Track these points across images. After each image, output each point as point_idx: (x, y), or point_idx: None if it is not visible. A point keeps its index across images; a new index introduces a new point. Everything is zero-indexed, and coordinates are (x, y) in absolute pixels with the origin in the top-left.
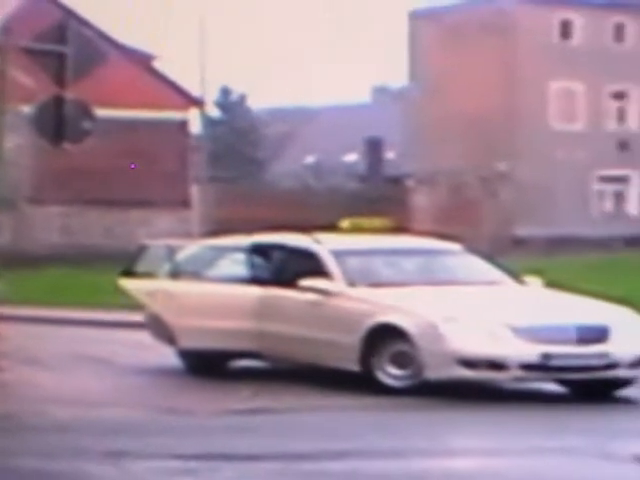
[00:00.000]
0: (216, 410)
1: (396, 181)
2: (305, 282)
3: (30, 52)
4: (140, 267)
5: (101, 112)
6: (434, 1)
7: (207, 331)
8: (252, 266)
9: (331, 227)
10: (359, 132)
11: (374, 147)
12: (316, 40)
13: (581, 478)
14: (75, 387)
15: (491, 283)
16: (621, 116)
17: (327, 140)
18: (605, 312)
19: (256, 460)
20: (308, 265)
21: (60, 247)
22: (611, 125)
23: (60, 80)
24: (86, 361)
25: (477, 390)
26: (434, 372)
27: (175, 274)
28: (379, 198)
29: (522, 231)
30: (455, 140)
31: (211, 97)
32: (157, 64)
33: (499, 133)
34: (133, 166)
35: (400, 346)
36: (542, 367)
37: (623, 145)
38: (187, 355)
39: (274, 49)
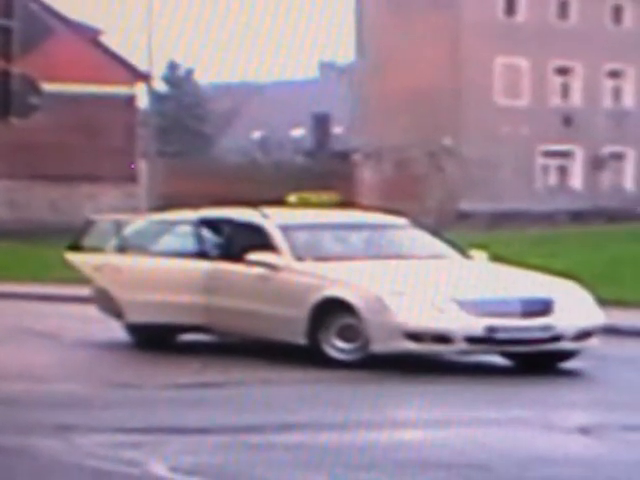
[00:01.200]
0: (164, 384)
1: (343, 156)
2: (253, 256)
3: None
4: (87, 242)
5: (48, 87)
6: None
7: (155, 305)
8: (200, 240)
9: (278, 202)
10: (306, 107)
11: (321, 122)
12: (263, 15)
13: (525, 448)
14: (22, 361)
15: (437, 257)
16: (565, 92)
17: (274, 115)
18: (549, 285)
19: (204, 433)
20: (256, 239)
21: (6, 222)
22: (555, 101)
23: (6, 55)
24: (33, 335)
25: (423, 363)
26: (380, 345)
27: (122, 248)
28: (326, 173)
29: (467, 205)
30: (401, 115)
31: (158, 72)
32: (104, 39)
33: (445, 108)
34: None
35: (347, 319)
36: (487, 340)
37: (567, 120)
38: (135, 329)
39: (221, 24)
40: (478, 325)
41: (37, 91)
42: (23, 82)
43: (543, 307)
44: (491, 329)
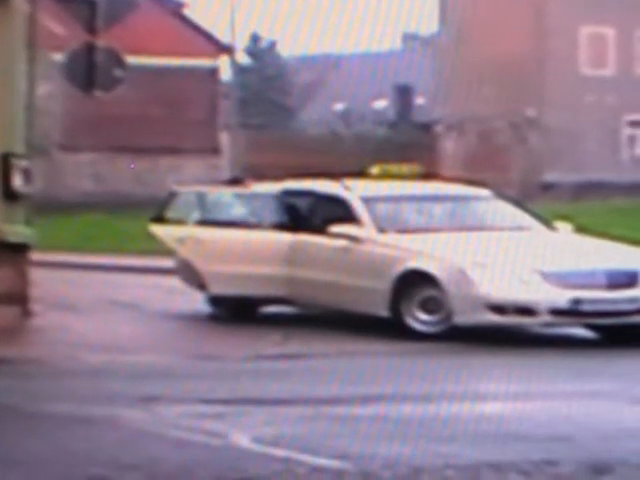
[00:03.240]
0: (246, 355)
1: (425, 127)
2: (335, 228)
3: (61, 1)
4: (170, 213)
5: (132, 60)
6: None
7: (237, 277)
8: (282, 212)
9: (360, 174)
10: (389, 79)
11: (403, 94)
12: None
13: (610, 421)
14: (106, 332)
15: (520, 229)
16: None
17: (356, 87)
18: (635, 257)
19: (286, 404)
20: (338, 212)
21: (91, 194)
22: None
23: (91, 28)
24: (117, 306)
25: (506, 335)
26: (463, 317)
27: (205, 220)
28: (408, 144)
29: (551, 176)
30: (484, 86)
31: (241, 44)
32: (187, 11)
33: (528, 79)
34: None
35: (429, 292)
36: (572, 312)
37: None
38: (217, 301)
39: None
40: (562, 297)
41: (121, 64)
42: (108, 55)
43: (629, 279)
44: (576, 301)
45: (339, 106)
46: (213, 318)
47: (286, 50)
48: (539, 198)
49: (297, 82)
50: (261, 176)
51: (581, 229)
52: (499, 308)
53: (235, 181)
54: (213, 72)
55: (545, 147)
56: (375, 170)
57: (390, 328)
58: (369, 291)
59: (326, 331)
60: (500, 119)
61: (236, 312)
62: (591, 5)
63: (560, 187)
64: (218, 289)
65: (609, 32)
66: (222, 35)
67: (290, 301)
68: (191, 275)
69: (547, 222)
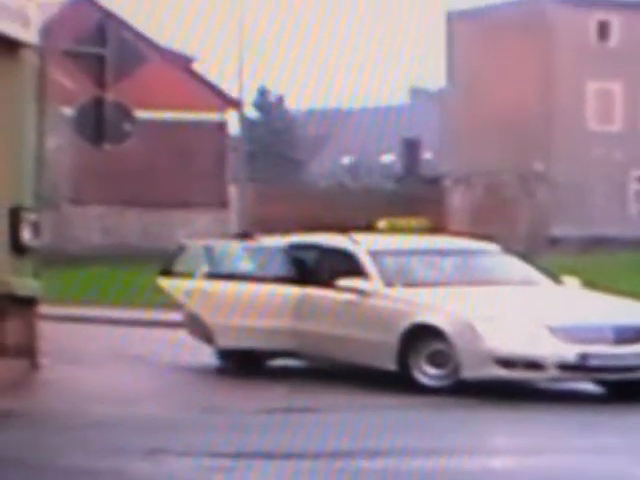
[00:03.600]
0: (254, 408)
1: (433, 181)
2: (342, 282)
3: (70, 54)
4: (179, 266)
5: (141, 113)
6: (471, 1)
7: (245, 330)
8: (290, 266)
9: (368, 227)
10: (396, 133)
11: (411, 148)
12: (354, 41)
13: (618, 477)
14: (114, 385)
15: (528, 283)
16: None
17: (364, 141)
18: None
19: (293, 458)
20: (345, 265)
21: (99, 247)
22: None
23: (100, 82)
24: (125, 359)
25: (514, 390)
26: (471, 371)
27: (213, 273)
28: (416, 198)
29: (558, 230)
30: (492, 140)
31: (249, 98)
32: (196, 66)
33: (536, 133)
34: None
35: (437, 345)
36: (579, 367)
37: None
38: (225, 354)
39: (311, 50)
40: (570, 352)
41: (130, 118)
42: (117, 109)
43: (636, 334)
44: (583, 356)
45: (347, 159)
46: (221, 371)
47: (294, 104)
48: (546, 252)
49: (305, 135)
50: (269, 229)
51: (588, 284)
52: (507, 362)
53: (244, 235)
54: (221, 126)
55: (552, 201)
56: (383, 224)
57: (398, 382)
58: (377, 344)
59: (334, 384)
60: (507, 173)
61: (244, 365)
62: (598, 61)
63: (567, 241)
64: (226, 342)
65: (616, 88)
66: (230, 89)
67: (298, 354)
68: (199, 328)
69: (554, 276)
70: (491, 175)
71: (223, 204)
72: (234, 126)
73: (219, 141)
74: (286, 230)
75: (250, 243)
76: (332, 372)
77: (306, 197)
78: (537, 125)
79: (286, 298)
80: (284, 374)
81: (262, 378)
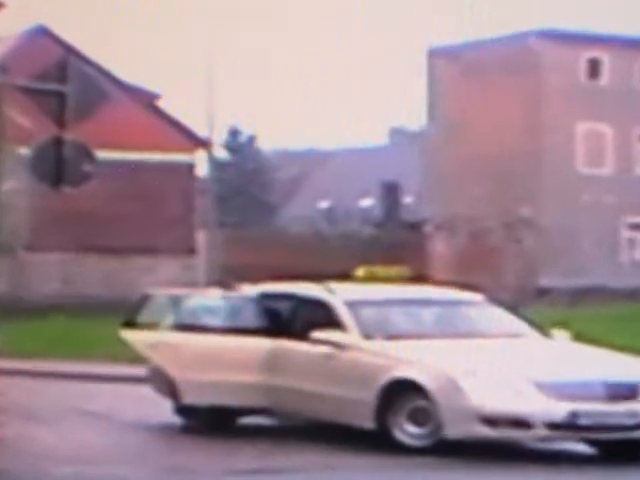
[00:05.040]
0: (222, 469)
1: (414, 227)
2: (317, 334)
3: (29, 91)
4: (143, 317)
5: (103, 154)
6: (453, 39)
7: (213, 386)
8: (261, 317)
9: (345, 276)
10: (375, 176)
11: (391, 191)
12: (329, 79)
13: None
14: (74, 443)
15: (514, 335)
16: None
17: (341, 184)
18: (636, 367)
19: None
20: (321, 316)
21: (59, 296)
22: None
23: (60, 120)
24: (86, 416)
25: (499, 449)
26: (454, 430)
27: (179, 325)
28: (396, 245)
29: (547, 280)
30: (476, 184)
31: (219, 138)
32: (162, 103)
33: (523, 176)
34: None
35: (418, 402)
36: (569, 426)
37: None
38: (191, 411)
39: (285, 88)
40: (559, 409)
41: (91, 158)
42: (76, 149)
43: (629, 391)
44: (573, 414)
45: (323, 204)
46: (187, 430)
47: (267, 144)
48: (534, 303)
49: (279, 178)
50: (239, 277)
51: (579, 336)
52: (492, 420)
53: (223, 284)
54: (189, 167)
55: (540, 248)
56: (360, 272)
57: (376, 441)
58: (354, 402)
59: (308, 444)
60: (493, 218)
61: (212, 423)
62: (588, 101)
63: (556, 291)
64: (192, 398)
65: (607, 130)
66: (199, 128)
67: (269, 411)
68: (163, 383)
69: (543, 329)
70: (475, 221)
71: (190, 250)
72: (203, 167)
73: (187, 183)
74: (257, 278)
75: (218, 293)
76: (306, 431)
77: (279, 243)
78: (524, 167)
79: (257, 351)
80: (255, 433)
81: (231, 437)
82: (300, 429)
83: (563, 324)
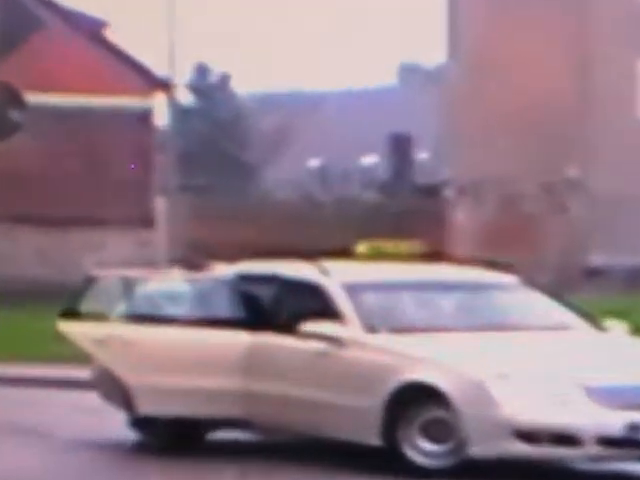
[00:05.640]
0: None
1: (430, 191)
2: (308, 326)
3: None
4: (87, 306)
5: (35, 98)
6: None
7: (177, 392)
8: (238, 304)
9: (343, 252)
10: (381, 126)
11: (401, 146)
12: (321, 3)
13: None
14: (3, 466)
15: (558, 328)
16: None
17: (338, 137)
18: None
19: None
20: (312, 304)
21: None
22: None
23: None
24: (16, 431)
25: (539, 472)
26: (481, 448)
27: (133, 315)
28: (407, 214)
29: (599, 259)
30: (509, 137)
31: (182, 78)
32: (111, 34)
33: (568, 128)
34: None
35: (435, 412)
36: (628, 442)
37: None
38: (150, 424)
39: (266, 14)
40: (615, 421)
41: (19, 104)
42: (2, 92)
43: None
44: (633, 427)
45: (315, 162)
46: (143, 447)
47: (243, 86)
48: (583, 287)
49: (259, 130)
50: (210, 255)
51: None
52: (530, 435)
53: (191, 264)
54: (145, 115)
55: (591, 219)
56: (362, 248)
57: (383, 461)
58: (354, 411)
59: (296, 465)
60: (530, 181)
61: (175, 439)
62: None
63: (611, 273)
64: (151, 408)
65: None
66: (157, 66)
67: (248, 424)
68: (114, 389)
69: (594, 320)
70: (508, 184)
71: (147, 222)
72: (162, 116)
73: (142, 136)
74: (233, 257)
75: (185, 275)
76: (294, 448)
77: (260, 212)
78: (570, 118)
79: (233, 348)
80: (230, 451)
81: (200, 457)
82: (286, 446)
83: (620, 314)
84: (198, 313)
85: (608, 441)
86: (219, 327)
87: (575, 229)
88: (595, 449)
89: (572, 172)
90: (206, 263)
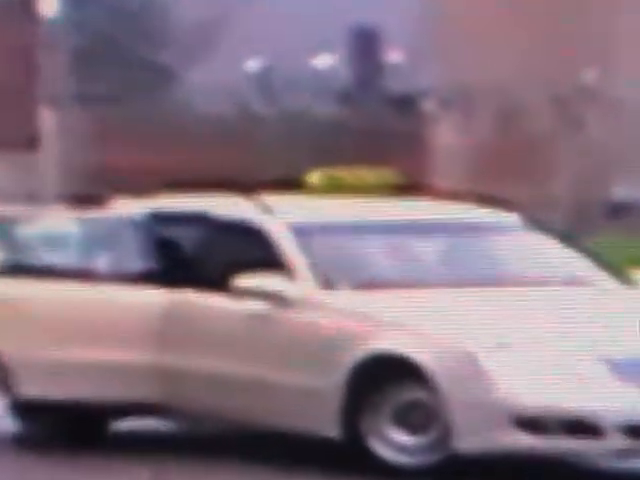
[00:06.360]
0: None
1: (405, 104)
2: (244, 281)
3: None
4: None
5: None
6: None
7: (68, 369)
8: (150, 253)
9: (291, 184)
10: (339, 17)
11: (365, 44)
12: None
13: None
14: None
15: (572, 283)
16: None
17: (282, 32)
18: None
19: None
20: (250, 251)
21: None
22: None
23: None
24: None
25: (549, 471)
26: (471, 439)
27: (10, 268)
28: (375, 133)
29: (625, 191)
30: (505, 33)
31: None
32: None
33: (584, 21)
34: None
35: (412, 394)
36: None
37: None
38: (35, 411)
39: None
40: None
41: None
42: None
43: None
44: None
45: (254, 65)
46: (27, 440)
47: None
48: (604, 228)
49: (180, 22)
50: (114, 187)
51: None
52: (535, 424)
53: (82, 198)
54: (26, 3)
55: (614, 138)
56: (316, 178)
57: (344, 457)
58: (304, 393)
59: (227, 463)
60: (535, 90)
61: (68, 431)
62: None
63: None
64: (35, 390)
65: None
66: None
67: (164, 410)
68: None
69: (619, 271)
70: (507, 94)
71: (29, 142)
72: (51, 4)
73: (23, 30)
74: (145, 189)
75: (96, 212)
76: (228, 442)
77: (181, 131)
78: (586, 6)
79: (144, 311)
80: (140, 445)
81: (101, 453)
82: (214, 439)
83: None
84: (97, 265)
85: (636, 430)
86: (125, 283)
87: (593, 152)
88: (621, 441)
89: (589, 77)
90: (108, 197)
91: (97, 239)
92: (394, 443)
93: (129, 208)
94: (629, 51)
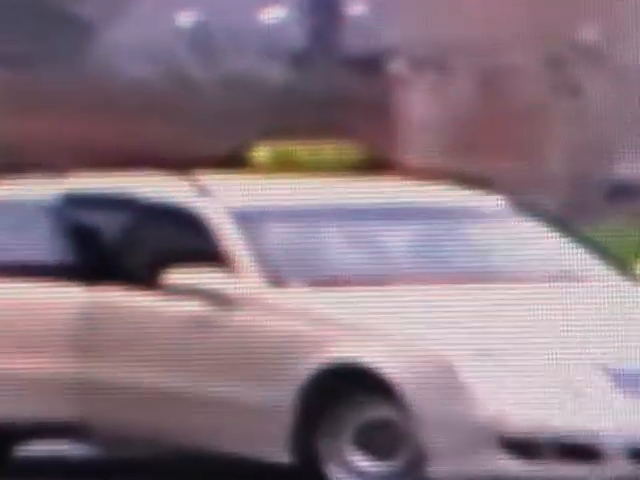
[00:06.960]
0: None
1: (368, 65)
2: (177, 276)
3: None
4: None
5: None
6: None
7: None
8: (64, 244)
9: (233, 161)
10: None
11: None
12: None
13: None
14: None
15: (568, 278)
16: None
17: None
18: None
19: None
20: (183, 241)
21: None
22: None
23: None
24: None
25: None
26: (448, 465)
27: None
28: (334, 100)
29: (630, 170)
30: None
31: None
32: None
33: None
34: None
35: (378, 411)
36: None
37: None
38: None
39: None
40: None
41: None
42: None
43: None
44: None
45: (187, 17)
46: None
47: None
48: (605, 213)
49: None
50: (17, 163)
51: None
52: (524, 446)
53: None
54: None
55: (617, 107)
56: (264, 154)
57: None
58: (250, 410)
59: None
60: (524, 48)
61: None
62: None
63: None
64: None
65: None
66: None
67: (80, 432)
68: None
69: (622, 263)
70: (491, 54)
71: None
72: None
73: None
74: (55, 165)
75: None
76: (152, 469)
77: (100, 97)
78: None
79: (54, 313)
80: (50, 473)
81: None
82: (139, 466)
83: None
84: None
85: None
86: (31, 279)
87: (592, 124)
88: (623, 466)
89: (588, 34)
90: (11, 175)
91: None
92: (356, 470)
93: (37, 189)
94: (633, 7)
